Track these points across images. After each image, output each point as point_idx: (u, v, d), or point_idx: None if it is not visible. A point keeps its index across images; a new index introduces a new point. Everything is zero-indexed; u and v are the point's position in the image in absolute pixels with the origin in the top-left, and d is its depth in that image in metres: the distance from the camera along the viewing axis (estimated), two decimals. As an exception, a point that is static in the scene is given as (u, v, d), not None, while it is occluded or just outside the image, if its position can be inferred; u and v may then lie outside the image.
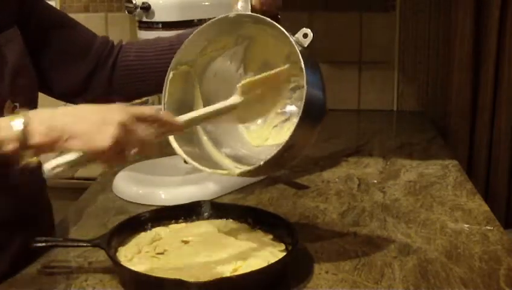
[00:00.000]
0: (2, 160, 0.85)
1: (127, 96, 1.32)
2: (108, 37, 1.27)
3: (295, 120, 0.94)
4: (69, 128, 0.85)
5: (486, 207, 1.26)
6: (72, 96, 1.25)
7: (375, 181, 1.42)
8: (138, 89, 1.25)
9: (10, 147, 0.84)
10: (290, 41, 0.96)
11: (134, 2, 1.37)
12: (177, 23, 1.38)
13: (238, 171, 0.98)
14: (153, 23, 1.38)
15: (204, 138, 1.09)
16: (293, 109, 1.07)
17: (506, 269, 1.01)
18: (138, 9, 1.38)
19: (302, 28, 1.01)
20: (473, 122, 1.98)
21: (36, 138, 0.84)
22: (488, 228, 1.16)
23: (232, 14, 1.03)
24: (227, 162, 1.06)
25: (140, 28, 1.41)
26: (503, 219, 1.94)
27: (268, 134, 1.09)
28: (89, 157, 0.86)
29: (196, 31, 1.06)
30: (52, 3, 2.12)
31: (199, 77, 1.09)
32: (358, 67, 2.11)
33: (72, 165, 0.85)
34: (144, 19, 1.39)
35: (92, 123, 0.86)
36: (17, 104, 1.05)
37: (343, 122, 1.99)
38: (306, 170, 1.50)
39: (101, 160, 0.87)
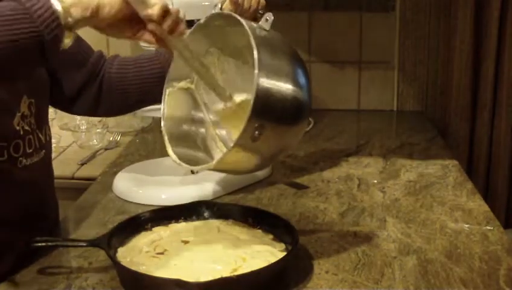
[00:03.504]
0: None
1: (110, 113, 1.34)
2: (102, 51, 1.28)
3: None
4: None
5: (486, 207, 1.26)
6: (62, 105, 1.26)
7: (375, 181, 1.42)
8: (120, 104, 1.27)
9: (57, 26, 0.85)
10: (246, 30, 0.91)
11: (134, 2, 1.37)
12: (177, 23, 1.38)
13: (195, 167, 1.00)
14: (153, 23, 1.38)
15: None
16: None
17: (506, 269, 1.01)
18: (138, 10, 1.38)
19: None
20: (473, 122, 1.98)
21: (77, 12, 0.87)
22: (488, 228, 1.16)
23: (202, 20, 1.03)
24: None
25: (140, 28, 1.41)
26: (503, 219, 1.94)
27: None
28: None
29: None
30: (52, 3, 2.13)
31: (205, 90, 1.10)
32: (358, 67, 2.11)
33: None
34: (144, 19, 1.39)
35: None
36: (33, 100, 1.07)
37: (343, 122, 1.99)
38: (306, 170, 1.50)
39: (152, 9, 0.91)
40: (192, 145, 1.06)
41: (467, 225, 1.17)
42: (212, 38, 1.05)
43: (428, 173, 1.47)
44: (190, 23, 1.39)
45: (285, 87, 0.92)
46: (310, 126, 1.86)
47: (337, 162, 1.57)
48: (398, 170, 1.50)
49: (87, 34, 1.24)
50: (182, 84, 1.07)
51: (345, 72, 2.11)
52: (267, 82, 0.89)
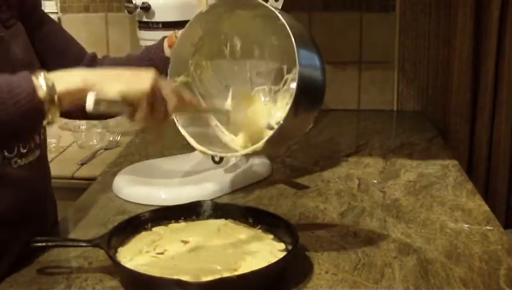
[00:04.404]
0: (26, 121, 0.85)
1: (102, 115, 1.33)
2: (95, 53, 1.28)
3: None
4: (106, 75, 0.88)
5: (486, 207, 1.26)
6: None
7: (375, 181, 1.42)
8: None
9: (41, 93, 0.83)
10: (273, 12, 0.97)
11: (134, 2, 1.38)
12: (177, 23, 1.38)
13: (239, 152, 1.02)
14: (153, 23, 1.39)
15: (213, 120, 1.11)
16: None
17: (506, 269, 1.01)
18: (138, 9, 1.38)
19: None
20: (473, 122, 1.98)
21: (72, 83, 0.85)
22: (488, 228, 1.16)
23: (204, 8, 1.05)
24: (230, 141, 1.07)
25: (140, 28, 1.41)
26: (503, 219, 1.94)
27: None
28: (127, 102, 0.87)
29: (179, 38, 1.09)
30: (52, 3, 2.13)
31: (200, 83, 1.10)
32: (358, 67, 2.11)
33: (111, 105, 0.86)
34: (144, 19, 1.39)
35: (128, 73, 0.90)
36: None
37: (343, 122, 1.99)
38: (306, 170, 1.50)
39: (137, 113, 0.88)
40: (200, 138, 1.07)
41: (466, 225, 1.17)
42: (208, 31, 1.06)
43: (429, 173, 1.47)
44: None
45: (316, 68, 0.97)
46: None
47: (337, 162, 1.56)
48: (398, 170, 1.50)
49: (87, 32, 1.24)
50: (181, 78, 1.08)
51: (345, 72, 2.11)
52: (306, 65, 0.94)
